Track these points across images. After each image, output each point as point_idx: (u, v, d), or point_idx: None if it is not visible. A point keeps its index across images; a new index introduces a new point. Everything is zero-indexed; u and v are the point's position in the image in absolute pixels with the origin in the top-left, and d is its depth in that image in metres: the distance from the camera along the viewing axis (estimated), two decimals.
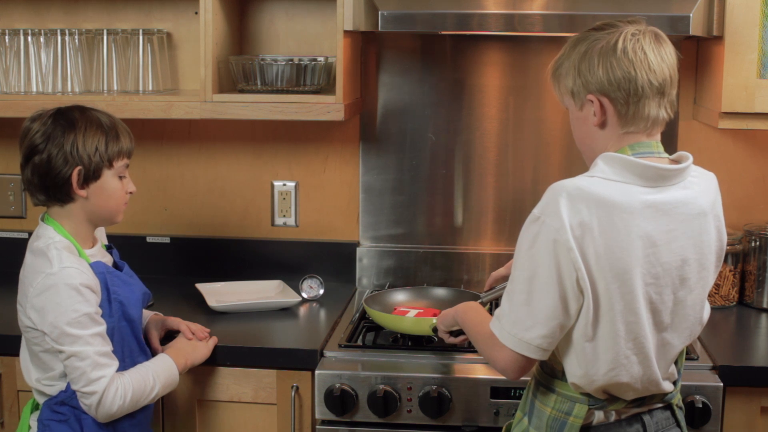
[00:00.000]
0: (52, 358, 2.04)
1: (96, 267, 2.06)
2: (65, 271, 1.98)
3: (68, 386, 2.05)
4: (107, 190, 2.08)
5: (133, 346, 2.12)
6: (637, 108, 1.75)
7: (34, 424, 2.10)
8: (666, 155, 1.81)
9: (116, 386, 2.01)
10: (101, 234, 2.23)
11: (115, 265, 2.17)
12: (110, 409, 2.01)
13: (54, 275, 1.98)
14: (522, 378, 1.86)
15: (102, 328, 2.02)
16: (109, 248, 2.21)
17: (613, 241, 1.70)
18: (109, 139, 2.06)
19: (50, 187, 2.04)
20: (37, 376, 2.09)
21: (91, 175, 2.05)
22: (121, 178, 2.10)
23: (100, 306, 2.04)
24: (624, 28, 1.76)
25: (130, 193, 2.13)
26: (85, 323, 1.98)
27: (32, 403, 2.14)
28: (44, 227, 2.08)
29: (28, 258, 2.07)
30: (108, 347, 2.02)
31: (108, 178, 2.07)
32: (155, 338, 2.26)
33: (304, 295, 2.70)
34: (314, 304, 2.69)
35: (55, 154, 2.02)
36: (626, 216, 1.71)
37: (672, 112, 1.80)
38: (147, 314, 2.33)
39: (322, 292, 2.72)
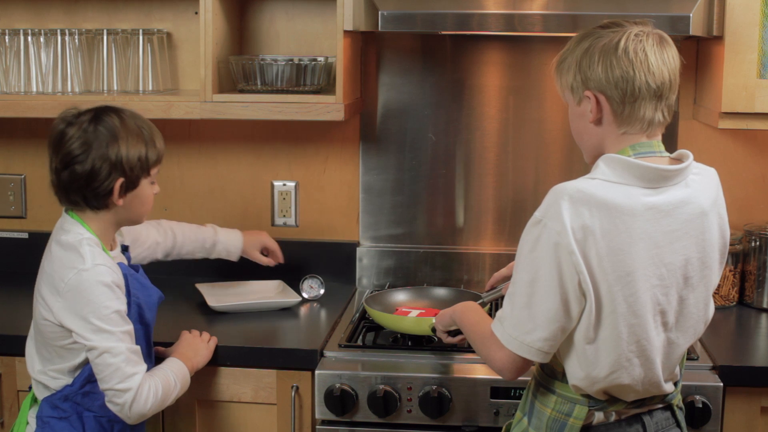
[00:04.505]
0: (68, 352, 2.03)
1: (120, 267, 2.07)
2: (98, 268, 1.98)
3: (75, 381, 2.04)
4: (142, 197, 2.08)
5: (143, 350, 2.10)
6: (633, 108, 1.75)
7: (32, 420, 2.10)
8: (667, 154, 1.81)
9: (148, 384, 2.00)
10: (121, 233, 2.25)
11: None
12: (144, 407, 1.99)
13: (87, 272, 1.97)
14: (522, 377, 1.86)
15: (131, 327, 2.02)
16: (124, 249, 2.21)
17: (615, 244, 1.70)
18: (149, 147, 2.06)
19: (88, 196, 2.04)
20: (40, 367, 2.08)
21: (131, 186, 2.05)
22: (153, 182, 2.11)
23: None
24: (629, 29, 1.76)
25: (155, 193, 2.14)
26: (116, 320, 1.98)
27: (31, 398, 2.13)
28: (71, 221, 2.07)
29: (57, 251, 2.05)
30: (137, 347, 2.02)
31: (144, 186, 2.08)
32: (260, 259, 2.66)
33: (305, 295, 2.70)
34: (314, 304, 2.69)
35: (99, 167, 2.00)
36: (628, 218, 1.71)
37: (669, 116, 1.80)
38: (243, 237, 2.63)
39: (322, 292, 2.72)
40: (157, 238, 2.50)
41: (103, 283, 1.97)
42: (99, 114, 2.04)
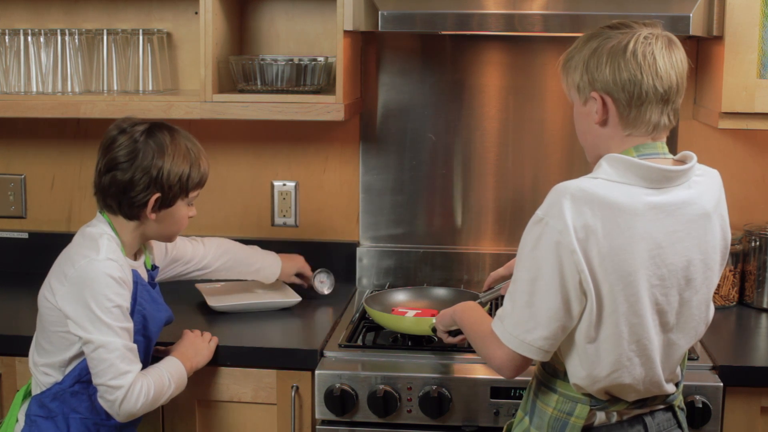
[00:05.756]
0: (61, 340, 2.03)
1: (133, 274, 2.08)
2: (109, 262, 2.00)
3: (65, 379, 2.05)
4: (175, 216, 2.12)
5: (140, 361, 2.11)
6: (639, 112, 1.75)
7: (22, 417, 2.10)
8: (671, 155, 1.80)
9: (141, 383, 2.00)
10: (153, 251, 2.28)
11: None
12: (134, 406, 2.00)
13: (98, 262, 2.00)
14: (522, 377, 1.86)
15: (131, 325, 2.03)
16: (153, 267, 2.24)
17: (617, 244, 1.70)
18: (192, 170, 2.10)
19: (123, 204, 2.06)
20: (36, 358, 2.09)
21: (166, 203, 2.08)
22: (190, 205, 2.14)
23: None
24: (638, 30, 1.75)
25: (191, 216, 2.17)
26: (117, 315, 1.99)
27: (23, 395, 2.14)
28: (101, 219, 2.10)
29: (77, 238, 2.09)
30: (134, 345, 2.03)
31: (180, 206, 2.11)
32: (295, 281, 2.67)
33: (317, 290, 2.69)
34: (314, 304, 2.67)
35: (139, 178, 2.04)
36: (630, 218, 1.71)
37: (675, 119, 1.80)
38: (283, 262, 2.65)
39: (332, 283, 2.71)
40: (209, 261, 2.54)
41: (111, 276, 1.99)
42: (152, 128, 2.08)
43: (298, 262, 2.72)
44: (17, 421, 2.11)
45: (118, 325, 1.99)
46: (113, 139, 2.07)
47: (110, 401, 1.99)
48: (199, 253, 2.52)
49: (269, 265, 2.66)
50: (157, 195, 2.05)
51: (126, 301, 2.02)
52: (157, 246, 2.34)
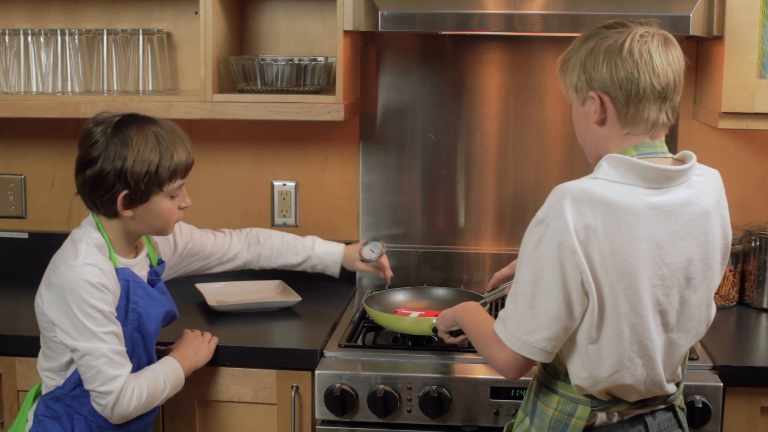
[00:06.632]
0: (56, 346, 2.04)
1: (121, 273, 2.05)
2: (87, 267, 1.98)
3: (66, 383, 2.05)
4: (156, 211, 2.05)
5: (142, 358, 2.10)
6: (637, 110, 1.75)
7: (31, 417, 2.11)
8: (670, 155, 1.81)
9: (132, 386, 2.00)
10: (158, 246, 2.27)
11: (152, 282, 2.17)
12: (126, 409, 1.99)
13: (75, 268, 1.97)
14: (523, 378, 1.86)
15: (116, 327, 2.01)
16: (159, 263, 2.22)
17: (618, 244, 1.70)
18: (162, 161, 2.00)
19: (96, 202, 2.03)
20: (41, 363, 2.10)
21: (138, 199, 2.02)
22: (173, 197, 2.07)
23: (117, 310, 2.03)
24: (634, 29, 1.76)
25: (183, 207, 2.11)
26: (99, 320, 1.97)
27: (32, 395, 2.14)
28: (89, 221, 2.08)
29: (65, 243, 2.07)
30: (122, 348, 2.02)
31: (157, 200, 2.04)
32: (366, 269, 2.55)
33: (366, 258, 2.59)
34: (314, 304, 2.67)
35: (106, 174, 1.98)
36: (631, 218, 1.71)
37: (673, 117, 1.80)
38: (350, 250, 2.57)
39: (383, 251, 2.61)
40: (237, 253, 2.51)
41: (89, 281, 1.97)
42: (122, 121, 2.02)
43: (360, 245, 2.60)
44: (27, 420, 2.11)
45: (102, 330, 1.97)
46: (88, 132, 2.02)
47: (102, 405, 1.99)
48: (224, 245, 2.48)
49: (324, 253, 2.58)
50: (125, 192, 2.00)
51: (108, 305, 1.99)
52: (163, 241, 2.30)
